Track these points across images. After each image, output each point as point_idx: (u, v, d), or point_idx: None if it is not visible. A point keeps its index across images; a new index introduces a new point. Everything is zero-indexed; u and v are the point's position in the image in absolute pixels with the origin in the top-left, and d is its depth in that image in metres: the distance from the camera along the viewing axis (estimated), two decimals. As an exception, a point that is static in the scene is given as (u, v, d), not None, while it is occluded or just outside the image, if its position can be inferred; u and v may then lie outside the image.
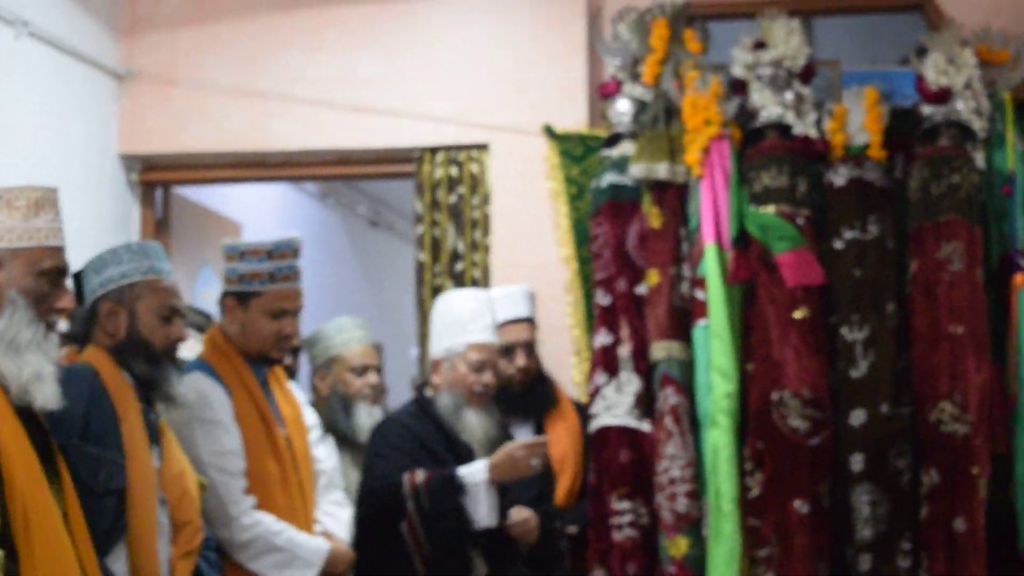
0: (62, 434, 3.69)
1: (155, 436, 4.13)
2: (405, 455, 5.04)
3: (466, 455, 5.12)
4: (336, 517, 4.92)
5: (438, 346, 5.29)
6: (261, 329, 4.74)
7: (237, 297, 4.75)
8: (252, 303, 4.73)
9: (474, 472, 4.93)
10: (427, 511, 4.87)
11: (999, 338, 5.35)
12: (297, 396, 5.04)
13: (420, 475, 4.91)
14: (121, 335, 4.09)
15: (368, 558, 4.89)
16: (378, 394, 5.78)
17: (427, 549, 4.89)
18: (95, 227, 6.17)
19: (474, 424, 5.15)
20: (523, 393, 5.59)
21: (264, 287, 4.73)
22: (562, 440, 5.57)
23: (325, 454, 5.04)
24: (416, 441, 5.09)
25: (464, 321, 5.25)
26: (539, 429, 5.61)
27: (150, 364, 4.11)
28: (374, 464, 5.05)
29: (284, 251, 4.76)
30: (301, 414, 4.96)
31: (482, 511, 4.91)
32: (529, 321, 5.67)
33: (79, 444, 3.81)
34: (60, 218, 3.56)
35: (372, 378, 5.74)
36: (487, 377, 5.18)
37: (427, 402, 5.23)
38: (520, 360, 5.57)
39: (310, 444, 4.94)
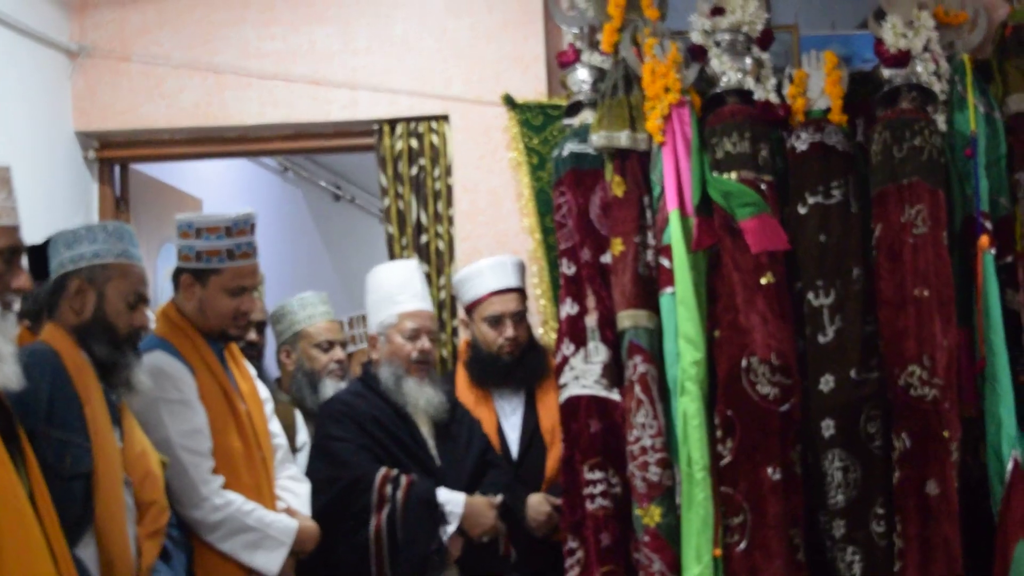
0: (28, 420, 3.66)
1: (117, 417, 4.11)
2: (358, 434, 5.11)
3: (413, 428, 5.21)
4: (295, 493, 4.93)
5: (372, 321, 5.39)
6: (220, 306, 4.72)
7: (194, 274, 4.73)
8: (211, 280, 4.72)
9: (453, 502, 5.06)
10: (400, 533, 4.95)
11: (965, 301, 5.37)
12: (249, 370, 5.02)
13: (395, 487, 4.96)
14: (87, 315, 4.08)
15: (325, 547, 4.91)
16: (344, 369, 5.77)
17: (388, 558, 4.95)
18: (53, 206, 6.11)
19: (415, 393, 5.23)
20: (513, 363, 5.62)
21: (223, 264, 4.70)
22: (553, 411, 5.58)
23: (277, 428, 5.04)
24: (362, 417, 5.17)
25: (392, 292, 5.33)
26: (530, 399, 5.65)
27: (112, 348, 4.10)
28: (331, 448, 5.09)
29: (242, 227, 4.74)
30: (256, 389, 4.94)
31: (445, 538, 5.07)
32: (517, 291, 5.68)
33: (45, 429, 3.78)
34: (13, 197, 3.54)
35: (338, 353, 5.75)
36: (423, 343, 5.28)
37: (371, 377, 5.29)
38: (508, 330, 5.59)
39: (267, 418, 4.94)
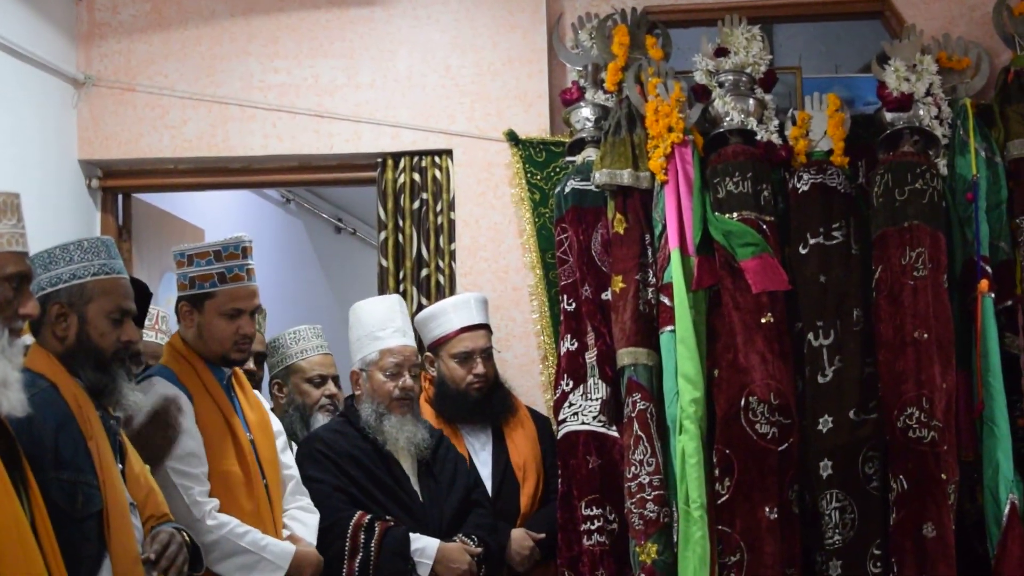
0: (35, 465, 3.65)
1: (116, 443, 4.10)
2: (335, 475, 5.12)
3: (393, 465, 5.20)
4: (303, 522, 4.90)
5: (355, 358, 5.37)
6: (217, 330, 4.72)
7: (191, 301, 4.75)
8: (206, 305, 4.73)
9: (424, 551, 5.04)
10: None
11: (964, 344, 5.38)
12: (262, 402, 5.03)
13: (368, 536, 4.96)
14: (71, 341, 4.00)
15: None
16: (336, 404, 5.75)
17: None
18: (56, 234, 6.04)
19: (396, 430, 5.20)
20: (481, 400, 5.58)
21: (215, 288, 4.71)
22: (522, 447, 5.59)
23: (290, 460, 5.02)
24: (341, 456, 5.17)
25: (373, 329, 5.32)
26: (498, 435, 5.62)
27: (99, 371, 4.02)
28: (308, 488, 5.06)
29: (233, 251, 4.74)
30: (267, 419, 4.94)
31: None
32: (485, 328, 5.66)
33: (54, 473, 3.76)
34: (22, 223, 3.53)
35: (330, 388, 5.72)
36: (404, 381, 5.26)
37: (353, 413, 5.28)
38: (478, 367, 5.55)
39: (278, 449, 4.93)
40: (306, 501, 4.99)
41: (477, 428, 5.65)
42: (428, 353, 5.72)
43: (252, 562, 4.58)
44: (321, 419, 5.56)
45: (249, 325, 4.78)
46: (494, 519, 5.35)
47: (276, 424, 5.02)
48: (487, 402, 5.60)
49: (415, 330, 5.68)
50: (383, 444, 5.21)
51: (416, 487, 5.24)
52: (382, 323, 5.35)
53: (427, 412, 5.61)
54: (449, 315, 5.64)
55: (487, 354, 5.62)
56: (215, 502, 4.57)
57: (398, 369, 5.27)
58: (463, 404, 5.58)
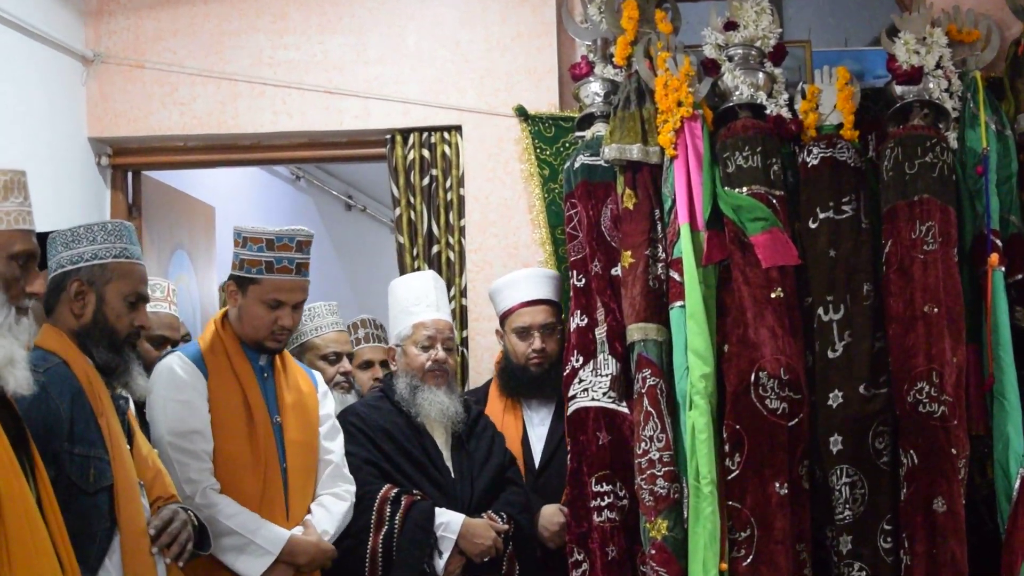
0: (51, 441, 3.69)
1: (125, 422, 4.12)
2: (367, 448, 5.15)
3: (426, 439, 5.24)
4: (327, 509, 4.89)
5: (392, 334, 5.44)
6: (256, 317, 4.78)
7: (237, 282, 4.82)
8: (249, 289, 4.80)
9: (449, 525, 5.06)
10: (395, 555, 4.99)
11: (974, 318, 5.37)
12: (315, 385, 5.05)
13: (394, 509, 4.98)
14: (87, 318, 4.05)
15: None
16: (351, 381, 5.76)
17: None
18: (66, 211, 6.12)
19: (429, 403, 5.24)
20: (541, 375, 5.62)
21: (261, 276, 4.76)
22: None
23: (337, 446, 5.03)
24: (374, 430, 5.19)
25: (407, 304, 5.37)
26: (559, 410, 5.63)
27: (112, 351, 4.08)
28: None
29: (286, 243, 4.80)
30: (309, 403, 4.96)
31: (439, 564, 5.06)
32: (548, 303, 5.68)
33: (68, 447, 3.79)
34: (29, 201, 3.54)
35: (345, 365, 5.73)
36: (437, 354, 5.29)
37: (389, 388, 5.31)
38: (536, 342, 5.60)
39: (319, 435, 4.95)
40: (343, 488, 4.99)
41: (537, 403, 5.70)
42: (498, 328, 5.81)
43: (241, 544, 4.60)
44: (338, 396, 5.57)
45: (288, 317, 4.82)
46: (527, 498, 5.37)
47: (325, 408, 5.04)
48: (547, 377, 5.63)
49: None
50: (416, 416, 5.23)
51: (448, 462, 5.27)
52: (416, 298, 5.40)
53: (494, 384, 5.74)
54: (513, 289, 5.70)
55: (547, 329, 5.65)
56: (212, 482, 4.61)
57: (431, 342, 5.31)
58: (522, 378, 5.64)
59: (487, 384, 5.83)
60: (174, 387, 4.65)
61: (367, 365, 5.98)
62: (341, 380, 5.70)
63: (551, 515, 5.43)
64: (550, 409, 5.67)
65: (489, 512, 5.18)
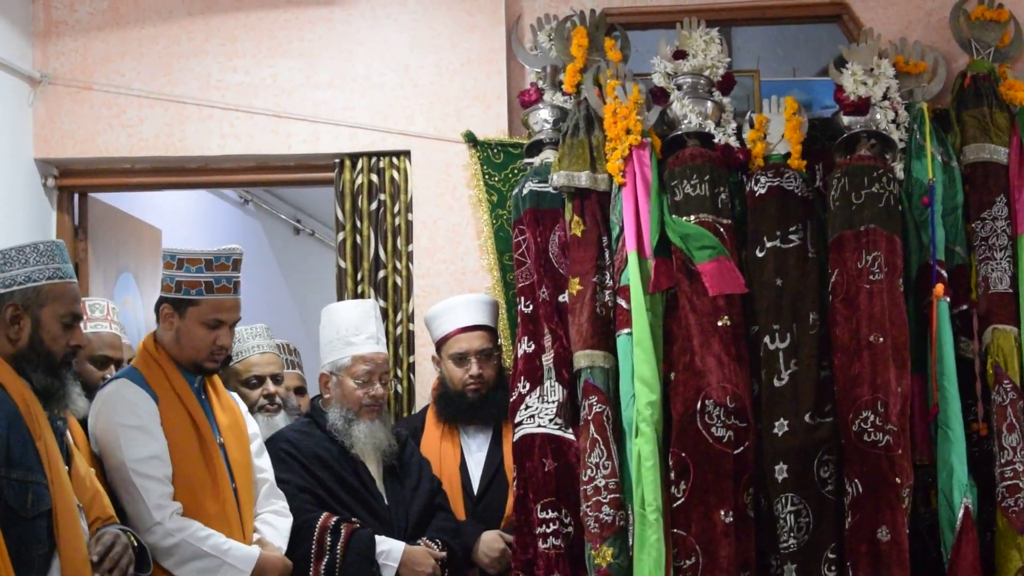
0: None
1: (63, 444, 4.09)
2: (301, 475, 5.14)
3: (360, 468, 5.22)
4: (274, 526, 4.91)
5: (325, 360, 5.40)
6: (196, 338, 4.76)
7: (174, 304, 4.77)
8: (188, 311, 4.77)
9: (391, 554, 5.06)
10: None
11: (919, 348, 5.40)
12: (238, 404, 5.02)
13: (335, 538, 4.97)
14: (23, 343, 4.03)
15: None
16: (278, 402, 5.71)
17: None
18: (11, 233, 6.06)
19: (364, 437, 5.23)
20: (477, 401, 5.61)
21: (201, 296, 4.73)
22: None
23: (267, 463, 5.02)
24: (307, 457, 5.19)
25: (346, 334, 5.34)
26: (496, 436, 5.66)
27: (50, 374, 4.06)
28: None
29: (224, 262, 4.79)
30: (240, 422, 4.95)
31: None
32: (485, 329, 5.68)
33: (5, 472, 3.76)
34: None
35: (269, 387, 5.68)
36: (375, 390, 5.29)
37: (320, 414, 5.29)
38: (473, 368, 5.60)
39: (251, 453, 4.93)
40: (280, 505, 5.00)
41: (474, 429, 5.70)
42: (434, 354, 5.79)
43: (213, 566, 4.59)
44: (261, 419, 5.55)
45: (227, 337, 4.82)
46: (457, 523, 5.37)
47: (252, 427, 5.05)
48: (484, 403, 5.63)
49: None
50: (350, 447, 5.22)
51: (382, 489, 5.25)
52: (356, 328, 5.37)
53: (431, 411, 5.73)
54: (449, 315, 5.70)
55: (484, 355, 5.65)
56: (177, 506, 4.58)
57: (369, 376, 5.30)
58: (460, 404, 5.63)
59: (423, 411, 5.82)
60: (129, 413, 4.61)
61: (297, 391, 5.97)
62: (265, 403, 5.67)
63: (491, 541, 5.43)
64: (487, 435, 5.67)
65: (424, 539, 5.19)
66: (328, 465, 5.18)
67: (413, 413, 5.97)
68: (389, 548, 5.06)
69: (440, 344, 5.71)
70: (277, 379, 5.75)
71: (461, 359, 5.61)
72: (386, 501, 5.24)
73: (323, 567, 4.97)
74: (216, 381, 4.97)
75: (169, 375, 4.75)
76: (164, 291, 4.80)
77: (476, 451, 5.65)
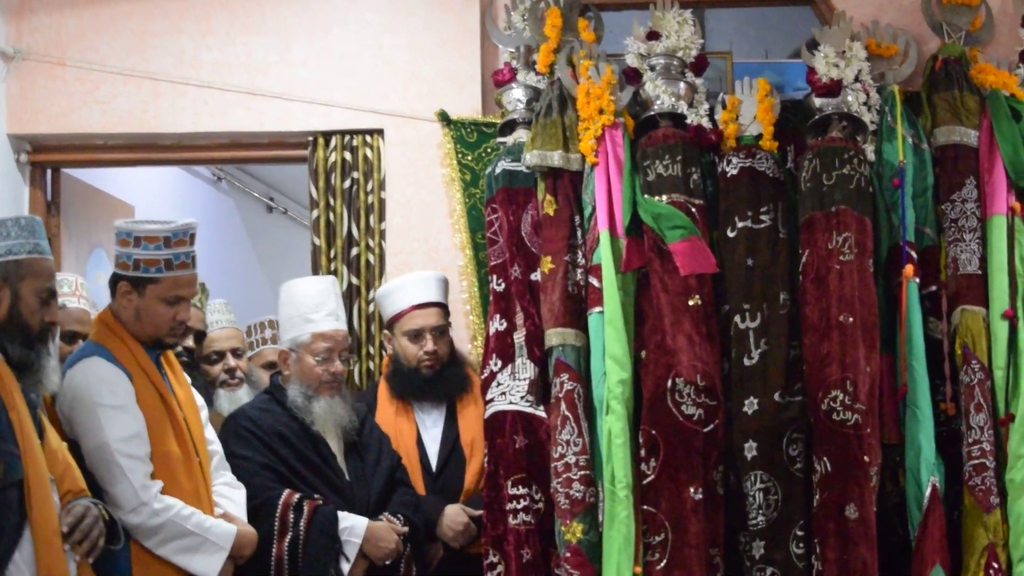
0: None
1: (36, 417, 4.09)
2: (262, 452, 5.14)
3: (320, 444, 5.23)
4: (232, 499, 4.91)
5: (285, 337, 5.40)
6: (156, 315, 4.73)
7: (132, 282, 4.73)
8: (148, 289, 4.72)
9: (354, 530, 5.07)
10: (302, 562, 4.99)
11: (888, 328, 5.44)
12: (185, 378, 5.02)
13: (297, 515, 4.96)
14: (2, 314, 4.03)
15: None
16: (240, 376, 5.71)
17: None
18: (-17, 208, 6.07)
19: (324, 413, 5.24)
20: (432, 377, 5.64)
21: (161, 274, 4.71)
22: (472, 425, 5.65)
23: (212, 435, 5.03)
24: (268, 434, 5.19)
25: (306, 311, 5.33)
26: (451, 412, 5.69)
27: (26, 347, 4.06)
28: (234, 467, 5.05)
29: (181, 238, 4.75)
30: (192, 396, 4.95)
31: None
32: (439, 306, 5.71)
33: None
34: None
35: (229, 362, 5.69)
36: (335, 367, 5.30)
37: (280, 391, 5.29)
38: (428, 344, 5.62)
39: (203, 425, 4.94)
40: (229, 476, 5.01)
41: (429, 405, 5.72)
42: (385, 331, 5.81)
43: (196, 544, 4.60)
44: (223, 394, 5.55)
45: (186, 312, 4.81)
46: (417, 497, 5.39)
47: (199, 399, 5.03)
48: (438, 379, 5.66)
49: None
50: (311, 424, 5.23)
51: (343, 466, 5.26)
52: (316, 305, 5.36)
53: (383, 388, 5.73)
54: (402, 293, 5.71)
55: (438, 332, 5.68)
56: (159, 484, 4.58)
57: (329, 354, 5.30)
58: (414, 381, 5.65)
59: (373, 387, 5.84)
60: (107, 393, 4.58)
61: (271, 366, 5.96)
62: (226, 378, 5.66)
63: (454, 515, 5.46)
64: (441, 411, 5.70)
65: (387, 514, 5.20)
66: (289, 442, 5.19)
67: (363, 391, 5.97)
68: (352, 524, 5.07)
69: (393, 321, 5.72)
70: (237, 353, 5.77)
71: (416, 336, 5.64)
72: (347, 477, 5.25)
73: (286, 544, 4.98)
74: (170, 356, 4.96)
75: (134, 351, 4.73)
76: (120, 268, 4.74)
77: (432, 427, 5.68)
